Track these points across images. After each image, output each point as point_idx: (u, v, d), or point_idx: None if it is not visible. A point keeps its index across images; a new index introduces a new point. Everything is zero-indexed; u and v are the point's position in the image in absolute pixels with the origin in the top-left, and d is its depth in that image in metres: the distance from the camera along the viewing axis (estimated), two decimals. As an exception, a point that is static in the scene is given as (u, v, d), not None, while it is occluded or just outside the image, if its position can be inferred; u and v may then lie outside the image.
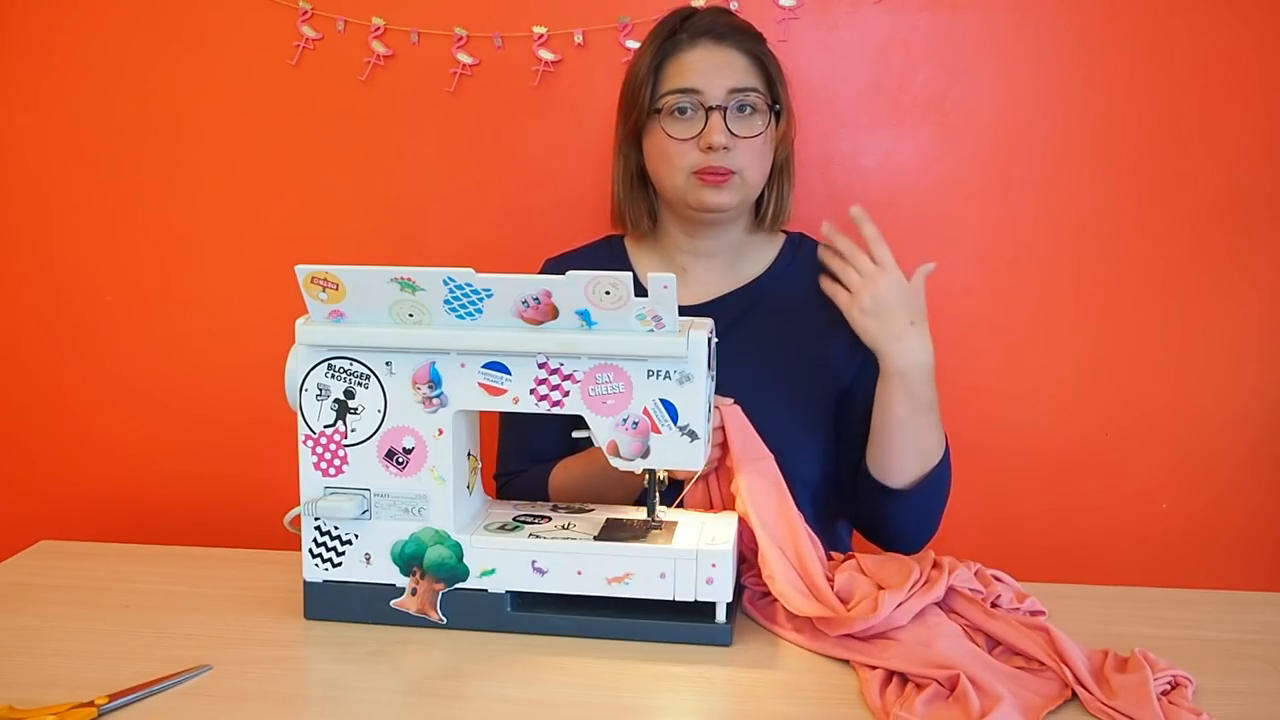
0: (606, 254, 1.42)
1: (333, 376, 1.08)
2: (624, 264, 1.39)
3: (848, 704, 0.95)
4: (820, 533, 1.19)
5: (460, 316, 1.04)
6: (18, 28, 1.65)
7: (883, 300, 1.20)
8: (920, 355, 1.21)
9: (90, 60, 1.65)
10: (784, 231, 1.42)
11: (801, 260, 1.38)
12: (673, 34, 1.31)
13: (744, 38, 1.31)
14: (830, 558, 1.19)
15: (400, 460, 1.08)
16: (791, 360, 1.33)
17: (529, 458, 1.38)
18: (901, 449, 1.24)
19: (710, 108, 1.26)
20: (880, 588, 1.08)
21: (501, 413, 1.40)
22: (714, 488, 1.20)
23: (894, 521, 1.28)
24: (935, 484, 1.25)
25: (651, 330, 1.03)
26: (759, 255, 1.39)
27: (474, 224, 1.64)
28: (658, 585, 1.06)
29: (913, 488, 1.25)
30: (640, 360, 1.04)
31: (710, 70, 1.27)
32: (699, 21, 1.31)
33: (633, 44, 1.54)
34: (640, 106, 1.30)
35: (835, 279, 1.24)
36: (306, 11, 1.59)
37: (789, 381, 1.32)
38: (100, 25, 1.64)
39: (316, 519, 1.10)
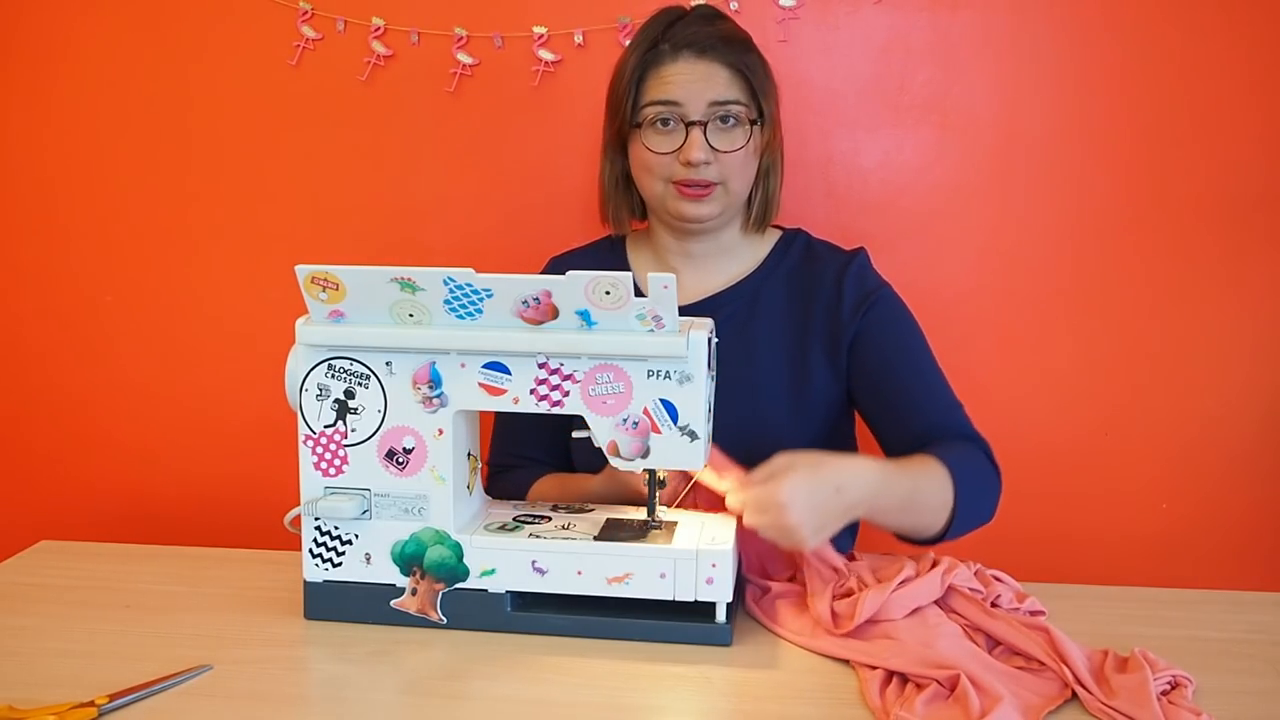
0: (607, 253, 1.42)
1: (333, 376, 1.08)
2: (623, 264, 1.40)
3: (848, 704, 0.95)
4: None
5: (460, 316, 1.04)
6: (19, 28, 1.65)
7: (816, 517, 1.06)
8: (862, 483, 1.10)
9: (91, 61, 1.65)
10: (779, 228, 1.42)
11: (791, 256, 1.38)
12: (654, 45, 1.28)
13: (727, 49, 1.27)
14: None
15: (400, 460, 1.08)
16: (783, 357, 1.33)
17: (516, 455, 1.40)
18: (917, 529, 1.19)
19: (691, 122, 1.26)
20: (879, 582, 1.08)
21: None
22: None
23: (951, 537, 1.22)
24: (967, 500, 1.18)
25: (651, 330, 1.03)
26: (749, 253, 1.39)
27: (474, 224, 1.64)
28: (658, 585, 1.06)
29: (949, 523, 1.19)
30: (640, 360, 1.04)
31: (691, 84, 1.26)
32: (682, 32, 1.28)
33: (633, 44, 1.54)
34: (622, 116, 1.30)
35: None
36: (306, 11, 1.59)
37: (781, 379, 1.32)
38: (102, 26, 1.64)
39: (316, 519, 1.10)
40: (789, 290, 1.36)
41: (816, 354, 1.32)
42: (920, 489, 1.16)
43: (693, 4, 1.34)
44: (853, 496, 1.08)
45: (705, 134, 1.25)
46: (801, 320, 1.34)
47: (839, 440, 1.37)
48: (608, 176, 1.37)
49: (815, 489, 1.06)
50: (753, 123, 1.28)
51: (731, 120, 1.27)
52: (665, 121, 1.27)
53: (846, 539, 1.42)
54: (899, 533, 1.21)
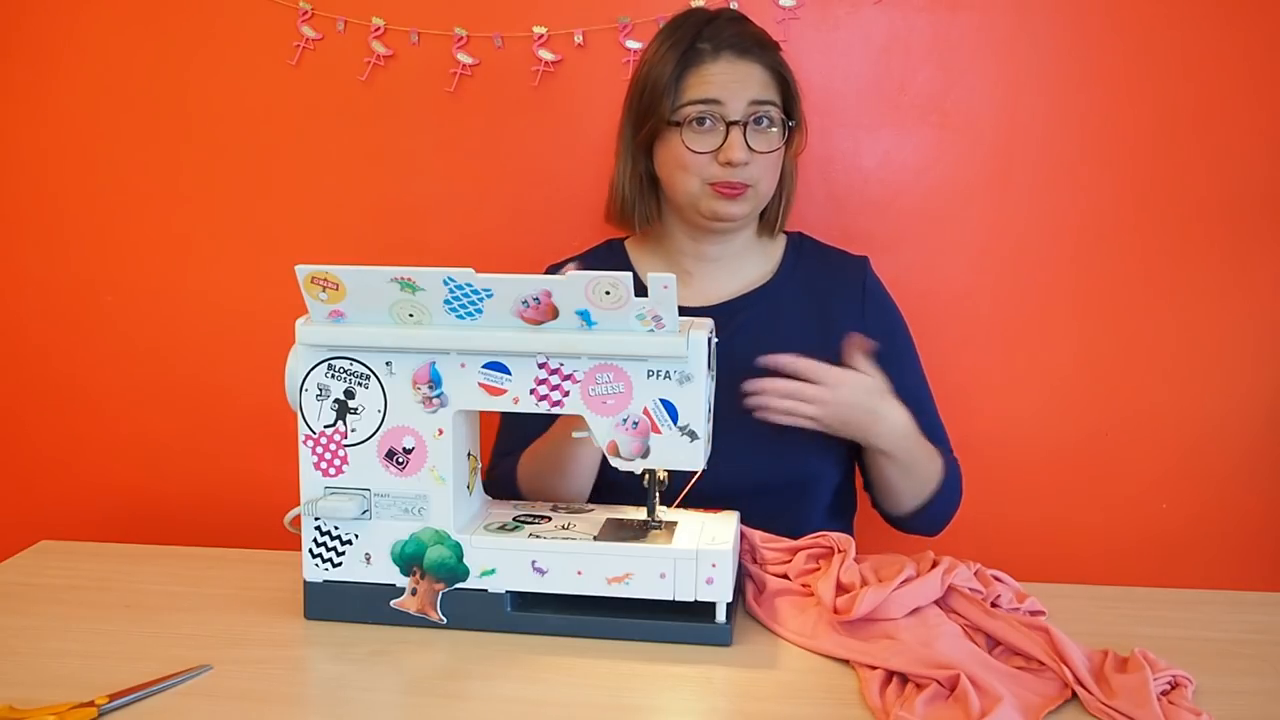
0: (607, 257, 1.42)
1: (333, 376, 1.08)
2: (626, 267, 1.40)
3: (848, 704, 0.95)
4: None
5: (460, 316, 1.04)
6: (21, 29, 1.65)
7: (843, 413, 1.21)
8: (896, 425, 1.24)
9: (92, 61, 1.65)
10: (784, 232, 1.42)
11: (805, 261, 1.38)
12: (693, 43, 1.29)
13: (763, 52, 1.30)
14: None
15: (400, 460, 1.08)
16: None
17: (517, 449, 1.38)
18: (900, 493, 1.30)
19: (731, 122, 1.26)
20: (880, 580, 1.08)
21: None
22: None
23: (910, 525, 1.34)
24: (944, 496, 1.31)
25: (651, 330, 1.03)
26: (764, 258, 1.39)
27: (474, 224, 1.64)
28: (658, 585, 1.06)
29: (922, 507, 1.30)
30: (640, 360, 1.04)
31: (732, 83, 1.27)
32: (722, 32, 1.29)
33: (633, 44, 1.54)
34: (659, 115, 1.29)
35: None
36: (306, 11, 1.59)
37: None
38: (102, 26, 1.64)
39: (316, 519, 1.10)
40: (809, 295, 1.36)
41: (836, 360, 1.32)
42: (922, 462, 1.28)
43: (698, 4, 1.34)
44: (878, 430, 1.23)
45: (744, 135, 1.26)
46: (823, 326, 1.33)
47: (851, 442, 1.36)
48: (629, 175, 1.36)
49: (865, 399, 1.21)
50: (785, 125, 1.30)
51: (767, 121, 1.28)
52: (702, 121, 1.27)
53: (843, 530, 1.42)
54: (882, 488, 1.30)
